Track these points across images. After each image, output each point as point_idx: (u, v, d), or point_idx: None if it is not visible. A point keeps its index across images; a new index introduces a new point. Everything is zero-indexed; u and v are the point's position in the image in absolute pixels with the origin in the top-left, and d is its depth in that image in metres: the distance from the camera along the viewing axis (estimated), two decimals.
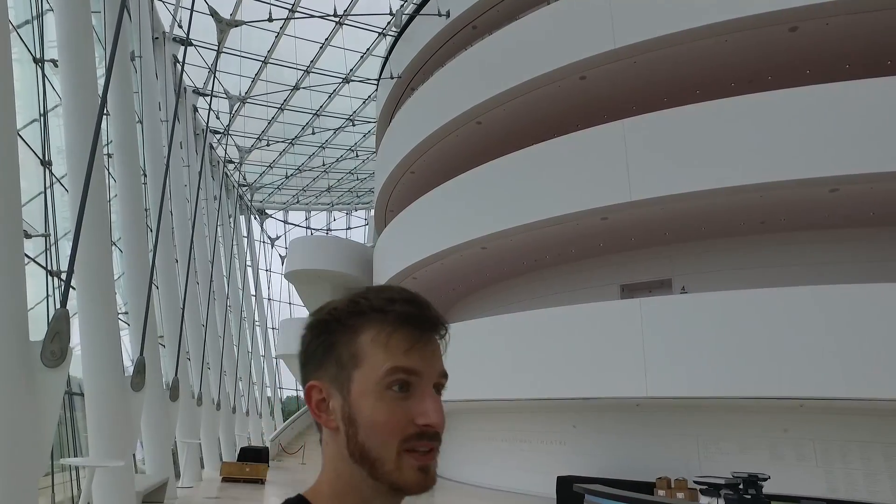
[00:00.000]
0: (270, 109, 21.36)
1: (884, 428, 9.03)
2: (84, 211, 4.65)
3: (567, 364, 10.56)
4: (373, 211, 30.54)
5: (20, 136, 7.26)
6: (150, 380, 8.67)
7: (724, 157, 9.72)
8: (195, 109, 19.24)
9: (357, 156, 24.87)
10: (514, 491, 12.56)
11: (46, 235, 6.66)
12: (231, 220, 24.66)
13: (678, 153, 10.13)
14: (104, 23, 9.58)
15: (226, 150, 22.59)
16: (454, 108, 13.95)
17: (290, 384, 31.66)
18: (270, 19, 14.62)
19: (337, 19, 16.37)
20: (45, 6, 7.89)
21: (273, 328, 30.13)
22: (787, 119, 9.45)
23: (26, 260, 6.73)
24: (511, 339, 11.79)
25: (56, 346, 3.73)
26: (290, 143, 23.54)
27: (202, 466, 13.86)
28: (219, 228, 22.88)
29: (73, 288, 6.55)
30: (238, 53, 17.94)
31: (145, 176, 13.32)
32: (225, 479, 12.80)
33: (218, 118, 19.65)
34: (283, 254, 30.13)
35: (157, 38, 15.48)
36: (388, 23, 17.33)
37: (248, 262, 27.61)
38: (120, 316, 10.26)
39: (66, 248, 6.86)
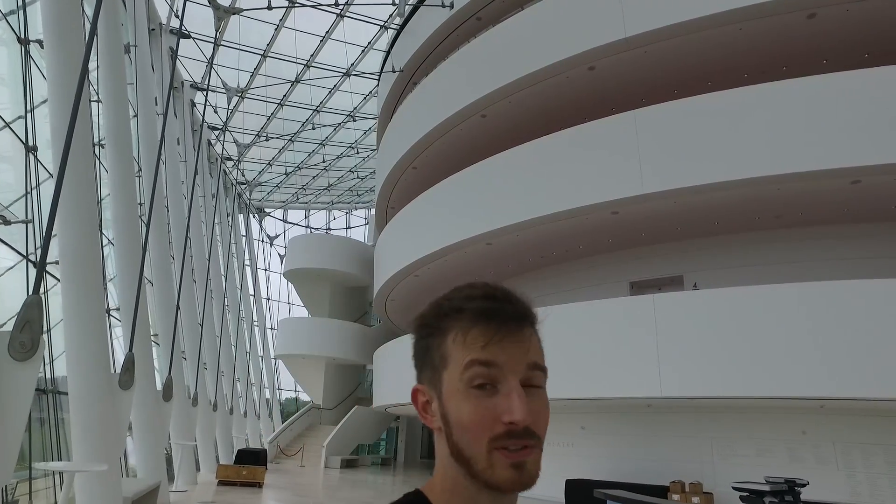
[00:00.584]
0: (269, 105, 20.99)
1: None
2: (60, 195, 4.26)
3: (576, 364, 10.17)
4: (373, 210, 30.19)
5: (2, 118, 6.88)
6: (142, 378, 8.29)
7: (740, 147, 9.35)
8: (193, 104, 18.86)
9: (357, 152, 24.49)
10: (521, 494, 12.15)
11: (28, 222, 6.29)
12: (229, 218, 24.29)
13: (692, 144, 9.76)
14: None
15: (223, 147, 22.22)
16: (458, 101, 13.59)
17: (288, 385, 31.23)
18: (270, 7, 14.25)
19: (338, 10, 16.01)
20: None
21: (272, 328, 29.73)
22: (808, 108, 9.08)
23: (6, 248, 6.35)
24: None
25: (26, 336, 3.34)
26: (290, 139, 23.16)
27: (198, 469, 13.46)
28: (217, 226, 22.51)
29: (58, 280, 6.17)
30: (236, 46, 17.58)
31: (140, 170, 12.95)
32: (221, 483, 12.40)
33: (216, 112, 19.27)
34: (282, 253, 29.75)
35: (153, 29, 15.11)
36: (391, 14, 16.98)
37: (247, 261, 27.22)
38: (113, 313, 9.88)
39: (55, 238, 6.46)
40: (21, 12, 7.24)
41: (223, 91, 18.93)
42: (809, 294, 8.43)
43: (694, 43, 10.82)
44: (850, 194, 9.34)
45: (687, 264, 11.78)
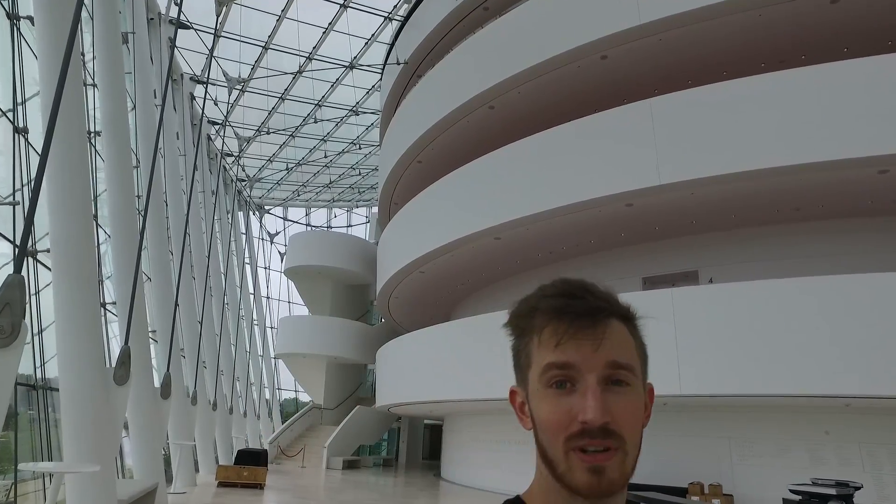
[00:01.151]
0: (271, 100, 20.63)
1: None
2: (45, 176, 3.89)
3: None
4: (375, 208, 29.82)
5: None
6: (139, 375, 7.92)
7: (761, 136, 8.99)
8: (192, 98, 18.49)
9: (360, 148, 24.12)
10: None
11: (15, 204, 5.92)
12: (229, 215, 23.90)
13: (711, 133, 9.41)
14: None
15: (223, 142, 21.84)
16: (465, 92, 13.24)
17: (289, 385, 30.84)
18: None
19: (342, 1, 15.65)
20: None
21: (272, 327, 29.34)
22: (831, 95, 8.73)
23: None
24: None
25: (6, 320, 2.97)
26: (291, 135, 22.80)
27: (197, 470, 13.08)
28: (216, 223, 22.14)
29: (49, 268, 5.80)
30: (237, 38, 17.21)
31: (139, 162, 12.59)
32: (221, 484, 12.02)
33: (216, 105, 18.90)
34: (283, 251, 29.37)
35: (152, 18, 14.75)
36: (395, 5, 16.62)
37: (247, 259, 26.83)
38: (111, 308, 9.51)
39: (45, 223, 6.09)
40: None
41: (223, 84, 18.55)
42: (842, 286, 8.07)
43: (711, 30, 10.48)
44: (877, 184, 8.99)
45: (702, 259, 11.42)
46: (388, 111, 18.68)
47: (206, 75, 17.07)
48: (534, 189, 11.21)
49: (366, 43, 18.24)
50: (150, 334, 11.99)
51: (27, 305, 6.43)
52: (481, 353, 11.11)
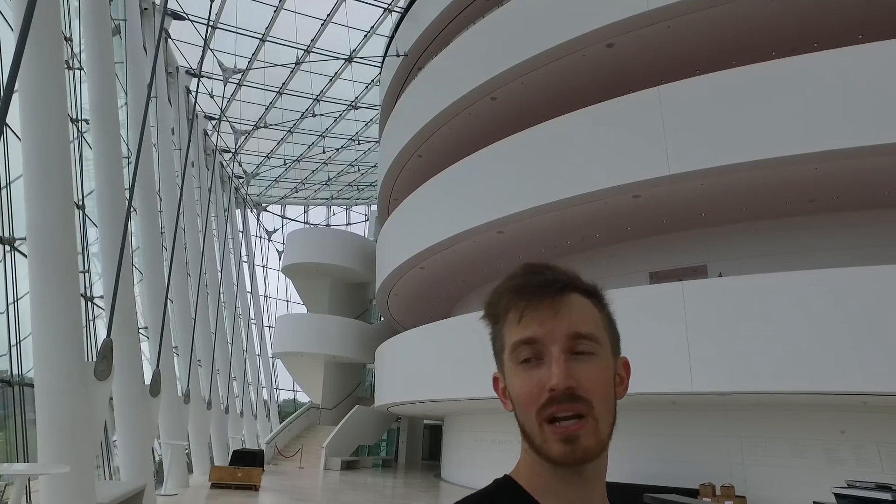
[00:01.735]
0: (268, 94, 20.27)
1: None
2: (7, 154, 3.54)
3: None
4: (374, 206, 29.46)
5: None
6: (127, 371, 7.57)
7: (774, 124, 8.66)
8: (188, 91, 18.13)
9: (359, 143, 23.76)
10: None
11: None
12: (226, 212, 23.53)
13: (723, 121, 9.07)
14: None
15: (219, 137, 21.49)
16: (467, 83, 12.90)
17: (286, 385, 30.46)
18: None
19: None
20: None
21: (269, 326, 28.96)
22: (852, 80, 8.39)
23: None
24: None
25: None
26: (289, 130, 22.44)
27: (190, 471, 12.72)
28: (213, 220, 21.79)
29: (25, 255, 5.44)
30: (233, 30, 16.87)
31: (130, 153, 12.24)
32: (214, 486, 11.65)
33: (212, 97, 18.54)
34: (280, 249, 29.00)
35: (146, 8, 14.40)
36: None
37: (244, 257, 26.46)
38: (96, 301, 9.15)
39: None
40: None
41: (220, 77, 18.20)
42: (860, 279, 7.72)
43: (721, 16, 10.14)
44: None
45: (711, 253, 11.08)
46: (387, 105, 18.34)
47: (200, 67, 16.73)
48: (538, 180, 10.87)
49: (365, 35, 17.89)
50: (143, 331, 11.64)
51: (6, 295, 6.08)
52: (483, 350, 10.73)
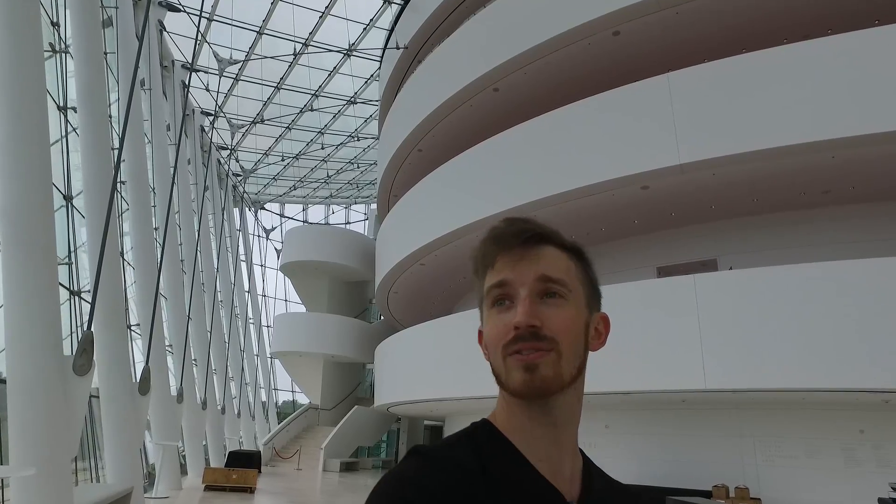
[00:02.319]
0: (266, 90, 19.94)
1: None
2: None
3: (600, 354, 8.99)
4: (373, 205, 29.10)
5: None
6: (114, 368, 7.22)
7: (792, 110, 8.31)
8: (184, 86, 17.80)
9: (358, 140, 23.42)
10: None
11: None
12: (223, 210, 23.20)
13: (736, 108, 8.73)
14: None
15: (214, 133, 21.16)
16: (468, 74, 12.55)
17: (285, 385, 30.09)
18: None
19: None
20: None
21: (267, 325, 28.60)
22: (870, 64, 8.05)
23: None
24: None
25: None
26: (287, 126, 22.11)
27: (184, 473, 12.36)
28: (210, 217, 21.46)
29: None
30: (230, 22, 16.53)
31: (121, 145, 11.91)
32: (208, 488, 11.29)
33: (208, 90, 18.21)
34: (279, 248, 28.65)
35: (139, 0, 14.06)
36: None
37: (242, 256, 26.11)
38: (83, 294, 8.80)
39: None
40: None
41: (216, 72, 17.86)
42: (879, 271, 7.38)
43: (731, 1, 9.81)
44: None
45: (721, 247, 10.73)
46: (386, 100, 18.00)
47: (199, 62, 16.41)
48: (543, 172, 10.53)
49: (364, 28, 17.57)
50: (136, 328, 11.29)
51: None
52: None
